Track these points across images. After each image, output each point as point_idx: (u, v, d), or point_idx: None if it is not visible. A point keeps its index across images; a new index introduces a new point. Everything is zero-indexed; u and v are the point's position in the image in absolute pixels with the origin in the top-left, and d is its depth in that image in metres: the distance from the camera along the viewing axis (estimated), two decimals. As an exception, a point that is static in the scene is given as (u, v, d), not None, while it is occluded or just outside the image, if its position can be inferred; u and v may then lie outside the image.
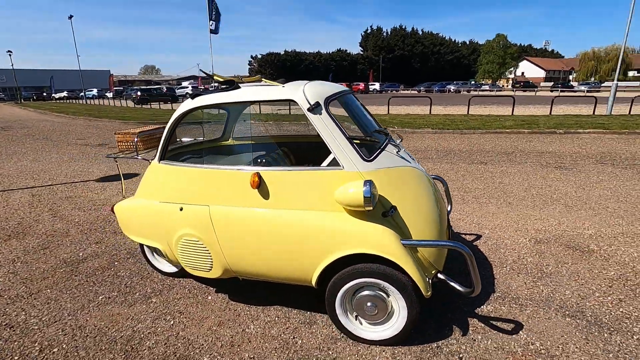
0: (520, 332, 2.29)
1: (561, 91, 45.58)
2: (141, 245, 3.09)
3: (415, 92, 51.94)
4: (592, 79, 66.45)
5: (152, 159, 2.72)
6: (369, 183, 1.95)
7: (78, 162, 7.93)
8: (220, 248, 2.37)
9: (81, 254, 3.52)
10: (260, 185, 2.21)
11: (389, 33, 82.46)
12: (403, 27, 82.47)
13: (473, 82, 59.12)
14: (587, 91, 41.71)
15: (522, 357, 2.09)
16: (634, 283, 2.81)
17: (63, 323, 2.49)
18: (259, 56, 75.94)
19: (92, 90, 49.20)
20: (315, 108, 2.15)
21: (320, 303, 2.59)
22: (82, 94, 43.15)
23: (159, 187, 2.58)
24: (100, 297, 2.79)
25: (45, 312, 2.61)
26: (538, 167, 6.57)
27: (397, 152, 2.53)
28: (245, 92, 2.34)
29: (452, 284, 2.11)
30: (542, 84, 62.46)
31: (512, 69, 71.40)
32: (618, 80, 15.41)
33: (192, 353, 2.18)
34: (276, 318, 2.51)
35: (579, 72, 75.67)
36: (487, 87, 51.36)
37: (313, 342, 2.26)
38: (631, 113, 14.49)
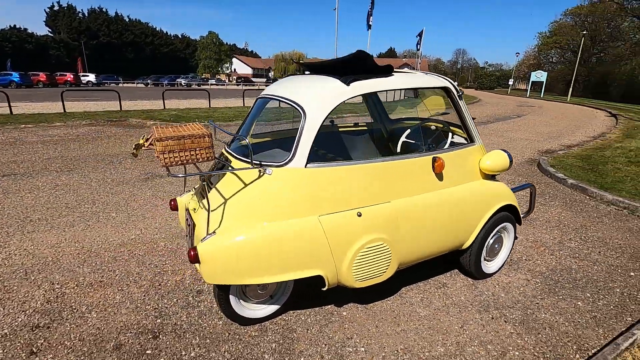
0: (529, 235, 3.64)
1: (273, 86, 55.14)
2: (222, 295, 2.13)
3: (143, 85, 47.63)
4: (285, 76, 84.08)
5: (266, 166, 1.99)
6: (506, 151, 2.58)
7: None
8: (402, 243, 2.25)
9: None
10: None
11: (87, 15, 69.41)
12: (103, 9, 71.51)
13: (194, 76, 60.57)
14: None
15: (538, 246, 3.42)
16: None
17: None
18: None
19: None
20: (462, 95, 2.47)
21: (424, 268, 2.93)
22: None
23: (316, 198, 2.00)
24: (232, 389, 1.83)
25: None
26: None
27: None
28: (402, 79, 2.26)
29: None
30: (255, 79, 72.83)
31: (227, 65, 78.68)
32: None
33: (428, 352, 2.08)
34: (420, 297, 2.64)
35: (275, 70, 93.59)
36: (213, 82, 54.37)
37: (467, 296, 2.66)
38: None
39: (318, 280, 2.14)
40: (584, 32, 30.19)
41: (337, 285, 2.22)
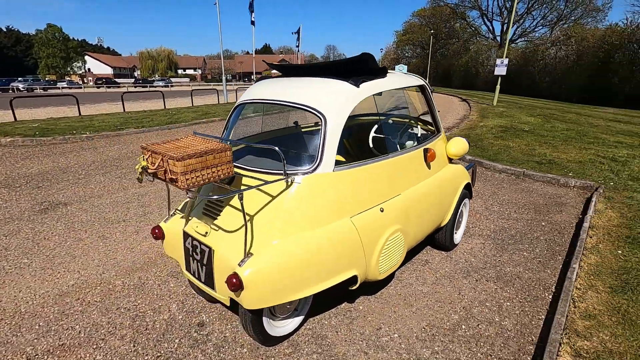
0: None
1: (142, 86, 49.53)
2: (255, 319, 1.97)
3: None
4: (156, 76, 76.25)
5: (293, 175, 1.91)
6: (464, 137, 3.01)
7: None
8: (410, 230, 2.43)
9: None
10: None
11: None
12: None
13: (35, 78, 49.92)
14: (164, 86, 48.37)
15: (474, 214, 4.07)
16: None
17: None
18: None
19: None
20: (433, 91, 2.76)
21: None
22: None
23: (346, 200, 2.00)
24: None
25: None
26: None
27: None
28: (394, 79, 2.39)
29: None
30: (120, 80, 63.93)
31: (79, 64, 66.99)
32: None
33: (448, 322, 2.33)
34: (415, 277, 2.90)
35: (142, 69, 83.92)
36: (64, 84, 45.71)
37: (449, 267, 3.04)
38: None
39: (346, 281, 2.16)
40: (432, 32, 36.17)
41: (363, 281, 2.28)
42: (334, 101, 2.05)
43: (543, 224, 3.87)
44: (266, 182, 1.82)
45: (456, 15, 44.18)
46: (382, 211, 2.20)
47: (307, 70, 2.48)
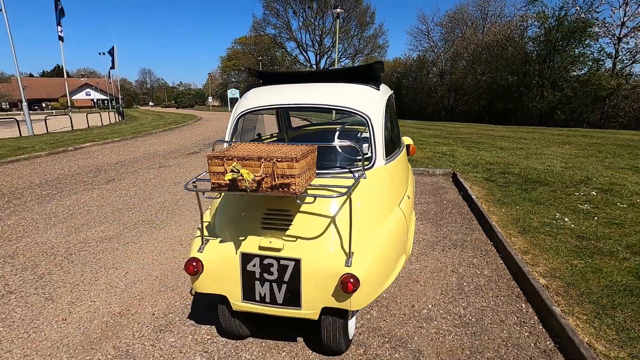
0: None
1: None
2: (343, 324, 1.90)
3: None
4: None
5: (360, 171, 1.99)
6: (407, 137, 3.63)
7: None
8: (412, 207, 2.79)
9: None
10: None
11: None
12: None
13: None
14: None
15: (396, 205, 4.80)
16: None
17: None
18: None
19: None
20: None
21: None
22: None
23: (393, 189, 2.17)
24: None
25: None
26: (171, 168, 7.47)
27: None
28: (383, 87, 2.70)
29: None
30: None
31: None
32: None
33: (452, 284, 2.79)
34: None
35: None
36: None
37: (419, 244, 3.54)
38: (49, 131, 15.91)
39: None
40: (259, 58, 38.48)
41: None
42: (372, 102, 2.22)
43: (445, 202, 4.95)
44: (357, 179, 1.83)
45: (276, 44, 48.50)
46: (408, 198, 2.48)
47: (303, 78, 2.53)
